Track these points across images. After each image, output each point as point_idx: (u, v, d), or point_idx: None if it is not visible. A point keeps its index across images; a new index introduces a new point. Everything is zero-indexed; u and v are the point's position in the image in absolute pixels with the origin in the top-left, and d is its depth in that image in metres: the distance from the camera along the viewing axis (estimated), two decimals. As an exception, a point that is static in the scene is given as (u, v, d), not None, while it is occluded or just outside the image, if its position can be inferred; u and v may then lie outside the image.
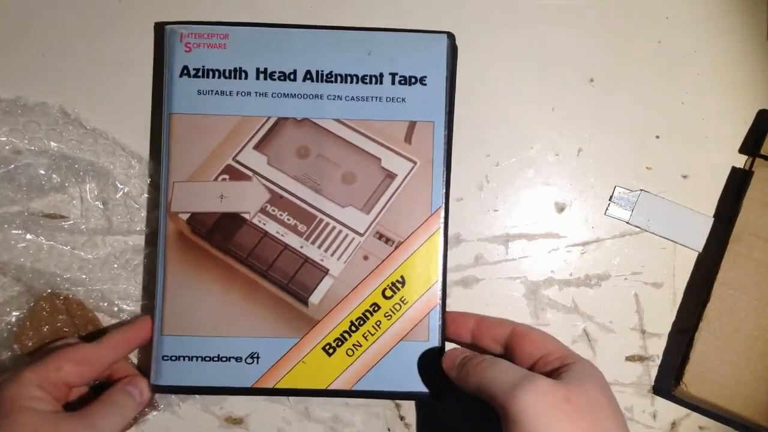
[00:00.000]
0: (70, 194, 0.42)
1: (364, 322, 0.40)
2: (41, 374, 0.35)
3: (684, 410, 0.43)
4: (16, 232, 0.41)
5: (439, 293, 0.40)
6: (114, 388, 0.38)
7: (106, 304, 0.42)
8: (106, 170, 0.42)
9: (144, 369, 0.41)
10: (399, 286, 0.40)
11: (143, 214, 0.42)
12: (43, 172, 0.41)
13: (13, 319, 0.40)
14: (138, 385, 0.39)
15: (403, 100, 0.41)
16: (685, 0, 0.44)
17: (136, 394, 0.38)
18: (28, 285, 0.41)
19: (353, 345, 0.40)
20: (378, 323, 0.40)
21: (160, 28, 0.43)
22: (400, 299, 0.40)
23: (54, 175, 0.41)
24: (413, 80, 0.41)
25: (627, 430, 0.33)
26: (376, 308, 0.40)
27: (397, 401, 0.43)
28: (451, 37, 0.41)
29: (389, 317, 0.40)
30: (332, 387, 0.40)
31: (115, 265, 0.42)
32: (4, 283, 0.41)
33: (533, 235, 0.43)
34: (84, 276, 0.42)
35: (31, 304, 0.40)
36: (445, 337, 0.40)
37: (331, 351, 0.40)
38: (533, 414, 0.30)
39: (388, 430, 0.43)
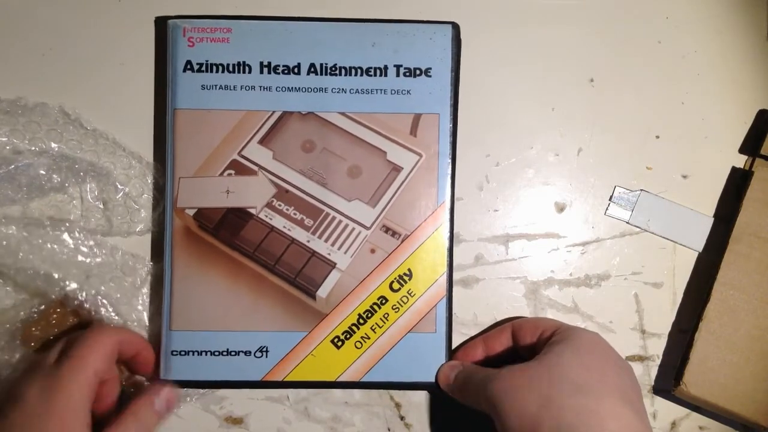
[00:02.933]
0: (70, 194, 0.42)
1: (372, 314, 0.40)
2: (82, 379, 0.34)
3: (684, 410, 0.43)
4: (21, 235, 0.41)
5: (446, 285, 0.41)
6: (138, 401, 0.37)
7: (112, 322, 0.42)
8: (106, 170, 0.42)
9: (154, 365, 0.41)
10: (406, 278, 0.40)
11: (143, 214, 0.42)
12: (43, 172, 0.41)
13: (19, 323, 0.40)
14: (161, 394, 0.38)
15: (408, 92, 0.41)
16: (685, 0, 0.44)
17: (162, 405, 0.37)
18: (37, 291, 0.40)
19: (361, 337, 0.40)
20: (386, 316, 0.40)
21: (162, 23, 0.43)
22: (408, 292, 0.40)
23: (54, 176, 0.41)
24: (418, 72, 0.41)
25: (591, 386, 0.33)
26: (383, 301, 0.40)
27: (398, 401, 0.43)
28: (455, 27, 0.41)
29: (397, 310, 0.40)
30: (341, 379, 0.40)
31: (127, 280, 0.42)
32: (8, 291, 0.41)
33: (533, 235, 0.43)
34: (92, 289, 0.41)
35: (42, 308, 0.40)
36: (451, 330, 0.41)
37: (339, 344, 0.40)
38: (498, 398, 0.34)
39: (389, 430, 0.43)
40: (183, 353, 0.40)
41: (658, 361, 0.43)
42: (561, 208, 0.44)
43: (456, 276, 0.43)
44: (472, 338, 0.42)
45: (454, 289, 0.42)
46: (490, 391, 0.34)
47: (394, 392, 0.43)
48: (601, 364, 0.34)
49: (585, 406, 0.32)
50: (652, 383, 0.43)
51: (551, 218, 0.44)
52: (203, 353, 0.40)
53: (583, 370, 0.34)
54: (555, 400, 0.32)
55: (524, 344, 0.39)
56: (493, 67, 0.44)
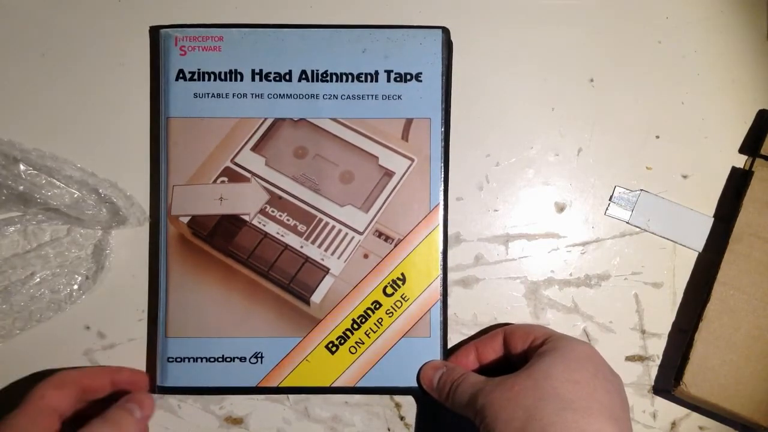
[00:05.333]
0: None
1: (366, 319, 0.40)
2: (29, 407, 0.35)
3: (684, 410, 0.43)
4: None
5: (440, 289, 0.41)
6: (113, 405, 0.37)
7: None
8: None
9: (149, 371, 0.42)
10: (399, 283, 0.40)
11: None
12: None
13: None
14: (138, 401, 0.37)
15: (399, 97, 0.41)
16: (685, 0, 0.44)
17: (136, 410, 0.37)
18: None
19: (356, 342, 0.40)
20: (380, 321, 0.40)
21: (155, 32, 0.43)
22: (401, 296, 0.40)
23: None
24: (409, 77, 0.41)
25: (582, 397, 0.33)
26: (377, 306, 0.40)
27: (398, 401, 0.43)
28: (446, 31, 0.41)
29: (391, 314, 0.40)
30: (336, 384, 0.40)
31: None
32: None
33: (533, 235, 0.43)
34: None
35: None
36: (446, 334, 0.41)
37: (334, 349, 0.40)
38: (486, 410, 0.34)
39: (388, 430, 0.43)
40: (179, 360, 0.40)
41: (658, 361, 0.43)
42: (561, 208, 0.44)
43: (456, 276, 0.43)
44: (464, 342, 0.42)
45: (454, 289, 0.42)
46: (479, 404, 0.34)
47: (395, 394, 0.43)
48: (590, 379, 0.34)
49: (571, 424, 0.31)
50: (652, 383, 0.43)
51: (551, 218, 0.44)
52: (199, 360, 0.40)
53: (572, 385, 0.33)
54: (541, 416, 0.32)
55: (515, 352, 0.38)
56: (493, 67, 0.44)
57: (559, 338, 0.37)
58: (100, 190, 0.41)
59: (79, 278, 0.42)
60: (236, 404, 0.43)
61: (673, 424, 0.43)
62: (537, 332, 0.38)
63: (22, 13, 0.43)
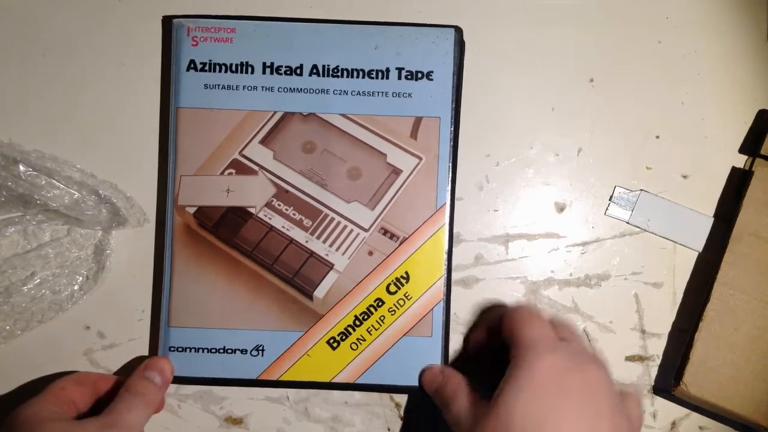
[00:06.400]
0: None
1: (369, 316, 0.40)
2: (50, 395, 0.36)
3: (684, 410, 0.43)
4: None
5: (443, 289, 0.41)
6: (131, 378, 0.38)
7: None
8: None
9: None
10: (403, 281, 0.40)
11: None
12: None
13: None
14: (156, 367, 0.39)
15: (409, 95, 0.41)
16: (685, 0, 0.44)
17: (155, 376, 0.38)
18: None
19: (357, 339, 0.40)
20: (382, 318, 0.40)
21: (167, 22, 0.43)
22: (404, 295, 0.40)
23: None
24: (420, 75, 0.41)
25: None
26: (380, 303, 0.40)
27: (398, 401, 0.43)
28: (458, 31, 0.41)
29: (393, 312, 0.40)
30: (336, 380, 0.40)
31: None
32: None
33: (533, 235, 0.43)
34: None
35: None
36: (448, 334, 0.41)
37: (335, 345, 0.40)
38: None
39: (388, 430, 0.43)
40: (180, 350, 0.40)
41: (658, 361, 0.43)
42: (561, 208, 0.44)
43: (456, 276, 0.43)
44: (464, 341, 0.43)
45: (454, 289, 0.42)
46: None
47: (394, 393, 0.43)
48: (557, 408, 0.33)
49: None
50: (652, 383, 0.43)
51: (551, 218, 0.44)
52: (200, 350, 0.40)
53: (537, 425, 0.32)
54: None
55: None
56: (493, 67, 0.44)
57: (520, 356, 0.35)
58: (100, 191, 0.41)
59: (80, 278, 0.42)
60: (236, 404, 0.43)
61: (673, 424, 0.43)
62: (507, 333, 0.37)
63: (22, 12, 0.43)
